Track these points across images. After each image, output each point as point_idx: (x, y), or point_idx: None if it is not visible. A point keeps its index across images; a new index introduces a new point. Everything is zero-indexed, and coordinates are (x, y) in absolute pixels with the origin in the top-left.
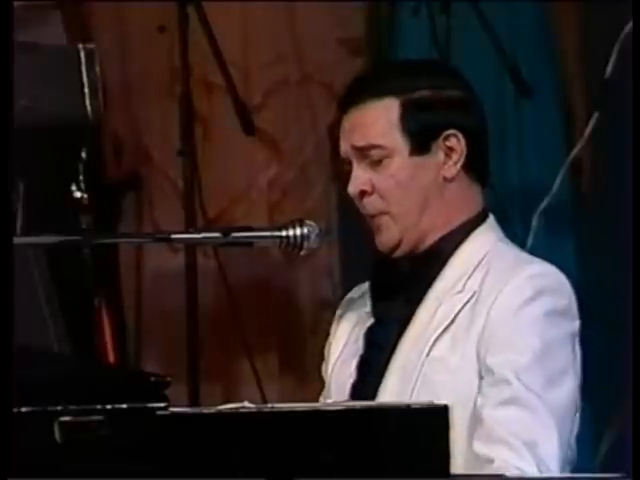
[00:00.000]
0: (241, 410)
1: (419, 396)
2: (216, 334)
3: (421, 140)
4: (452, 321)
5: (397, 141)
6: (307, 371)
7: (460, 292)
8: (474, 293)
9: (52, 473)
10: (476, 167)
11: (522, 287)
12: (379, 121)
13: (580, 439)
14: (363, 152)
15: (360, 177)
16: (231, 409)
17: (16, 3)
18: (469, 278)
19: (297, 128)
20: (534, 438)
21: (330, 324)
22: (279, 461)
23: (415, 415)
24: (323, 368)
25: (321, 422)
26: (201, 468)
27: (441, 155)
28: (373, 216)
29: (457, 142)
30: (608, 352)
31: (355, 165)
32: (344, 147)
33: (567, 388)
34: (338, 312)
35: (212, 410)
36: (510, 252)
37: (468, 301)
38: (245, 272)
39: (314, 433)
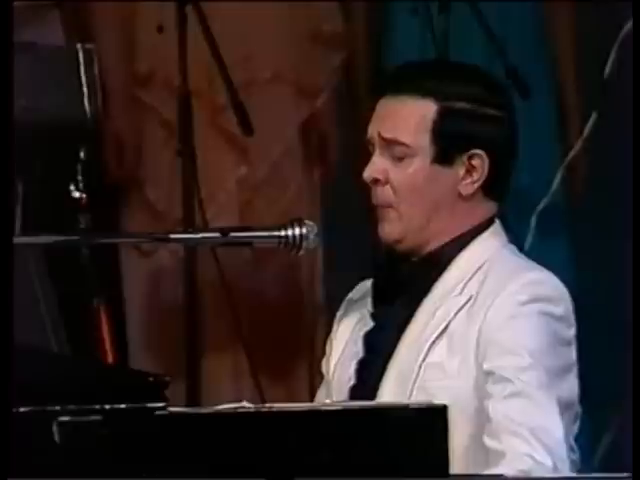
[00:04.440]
0: (239, 410)
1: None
2: (215, 334)
3: (447, 151)
4: (448, 325)
5: (424, 144)
6: (308, 371)
7: (458, 295)
8: (471, 297)
9: (51, 473)
10: (495, 187)
11: (518, 293)
12: (413, 119)
13: (579, 439)
14: (388, 144)
15: (378, 165)
16: (229, 409)
17: (16, 3)
18: (468, 282)
19: (267, 128)
20: (540, 425)
21: (329, 324)
22: (278, 461)
23: (414, 415)
24: (324, 363)
25: (320, 422)
26: (200, 468)
27: (462, 171)
28: (381, 206)
29: (480, 163)
30: (604, 352)
31: (377, 152)
32: (371, 131)
33: (568, 385)
34: (340, 311)
35: (211, 410)
36: (511, 259)
37: (465, 304)
38: (245, 271)
39: (313, 433)
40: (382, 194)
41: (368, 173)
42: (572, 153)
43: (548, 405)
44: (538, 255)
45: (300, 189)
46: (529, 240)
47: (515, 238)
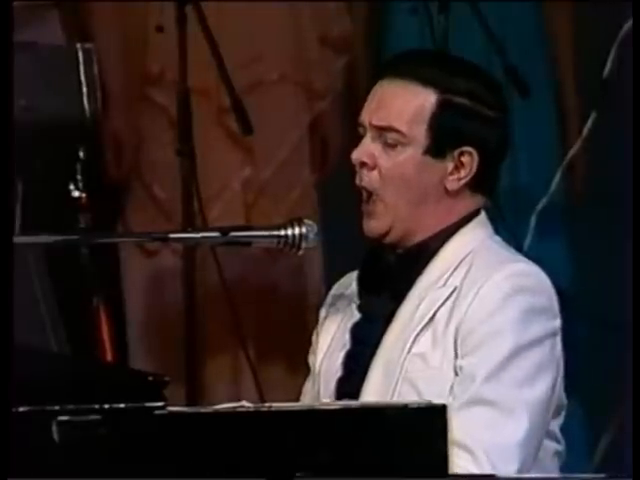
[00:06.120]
0: (239, 409)
1: (402, 393)
2: (214, 333)
3: (440, 144)
4: (433, 316)
5: (419, 134)
6: (307, 371)
7: (442, 287)
8: (455, 288)
9: (51, 473)
10: (482, 185)
11: (500, 285)
12: (411, 107)
13: (578, 439)
14: (381, 131)
15: (368, 148)
16: (229, 408)
17: (15, 3)
18: (452, 273)
19: (273, 129)
20: (496, 442)
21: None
22: (277, 461)
23: (413, 415)
24: (310, 357)
25: (319, 422)
26: (199, 468)
27: (450, 166)
28: (365, 190)
29: (470, 160)
30: (601, 350)
31: (368, 135)
32: (364, 116)
33: (542, 387)
34: (324, 305)
35: (210, 409)
36: (495, 250)
37: (449, 296)
38: (244, 270)
39: (312, 433)
40: (370, 179)
41: (357, 155)
42: (572, 153)
43: (513, 408)
44: (537, 255)
45: (305, 190)
46: (528, 240)
47: (514, 238)
